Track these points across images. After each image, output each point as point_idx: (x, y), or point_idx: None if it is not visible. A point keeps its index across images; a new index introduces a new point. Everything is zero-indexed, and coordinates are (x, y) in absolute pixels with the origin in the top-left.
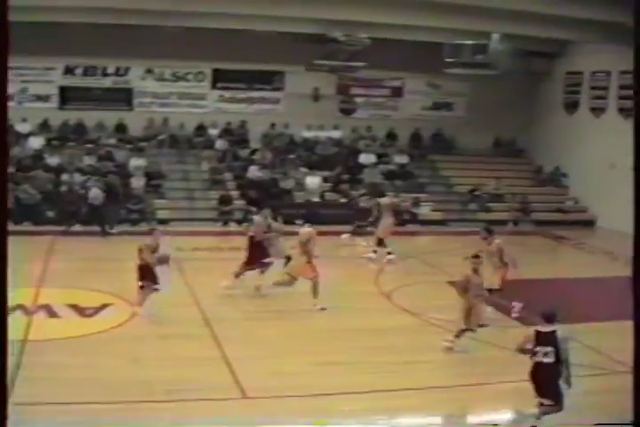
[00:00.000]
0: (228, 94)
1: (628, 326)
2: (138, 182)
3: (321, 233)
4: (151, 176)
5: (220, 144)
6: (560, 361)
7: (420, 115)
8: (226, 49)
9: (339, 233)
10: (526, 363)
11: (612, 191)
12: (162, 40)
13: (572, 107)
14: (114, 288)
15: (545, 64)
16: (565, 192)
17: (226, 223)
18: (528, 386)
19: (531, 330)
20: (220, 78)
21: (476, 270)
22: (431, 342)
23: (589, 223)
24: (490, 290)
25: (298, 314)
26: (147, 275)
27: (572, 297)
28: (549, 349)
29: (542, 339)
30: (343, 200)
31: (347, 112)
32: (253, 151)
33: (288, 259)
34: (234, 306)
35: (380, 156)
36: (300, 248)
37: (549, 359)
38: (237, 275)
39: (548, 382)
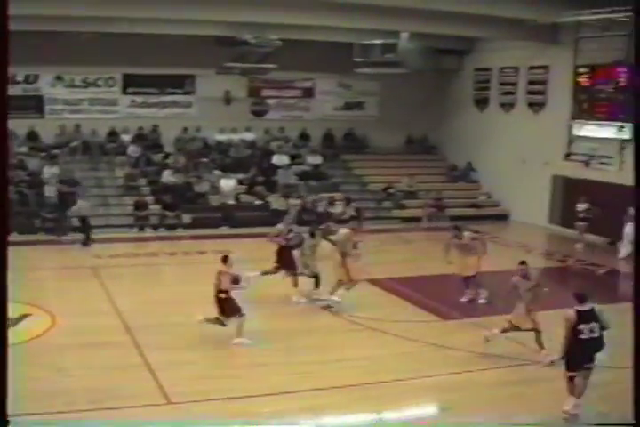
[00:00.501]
0: (139, 99)
1: (545, 316)
2: (51, 191)
3: (238, 235)
4: (65, 184)
5: (133, 150)
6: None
7: (332, 115)
8: (136, 54)
9: (255, 235)
10: (441, 358)
11: (523, 185)
12: (71, 46)
13: (482, 103)
14: (32, 298)
15: (454, 61)
16: (478, 187)
17: (142, 229)
18: (444, 381)
19: (570, 312)
20: (130, 83)
21: (524, 276)
22: (351, 341)
23: (503, 217)
24: (466, 278)
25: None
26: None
27: (490, 290)
28: (594, 324)
29: (584, 317)
30: (258, 202)
31: (259, 114)
32: (167, 156)
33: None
34: (153, 312)
35: (293, 157)
36: (337, 249)
37: (596, 334)
38: (295, 284)
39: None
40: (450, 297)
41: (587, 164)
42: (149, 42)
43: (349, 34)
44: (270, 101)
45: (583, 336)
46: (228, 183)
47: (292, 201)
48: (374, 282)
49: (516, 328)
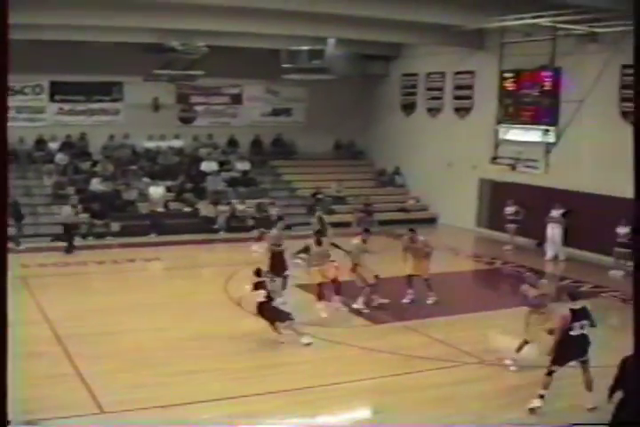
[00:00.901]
0: (67, 107)
1: (474, 318)
2: None
3: (168, 243)
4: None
5: (61, 158)
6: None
7: (260, 121)
8: (63, 61)
9: (185, 242)
10: (374, 361)
11: (451, 189)
12: None
13: (409, 108)
14: None
15: (381, 67)
16: (406, 192)
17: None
18: (377, 384)
19: (564, 311)
20: (58, 91)
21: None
22: (283, 346)
23: (431, 221)
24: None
25: (148, 326)
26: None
27: (419, 294)
28: (585, 322)
29: (577, 315)
30: (187, 209)
31: (187, 121)
32: (95, 163)
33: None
34: (83, 322)
35: (221, 163)
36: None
37: (584, 331)
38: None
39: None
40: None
41: (513, 167)
42: (77, 49)
43: (276, 40)
44: (198, 108)
45: (573, 333)
46: (156, 191)
47: (221, 208)
48: (306, 287)
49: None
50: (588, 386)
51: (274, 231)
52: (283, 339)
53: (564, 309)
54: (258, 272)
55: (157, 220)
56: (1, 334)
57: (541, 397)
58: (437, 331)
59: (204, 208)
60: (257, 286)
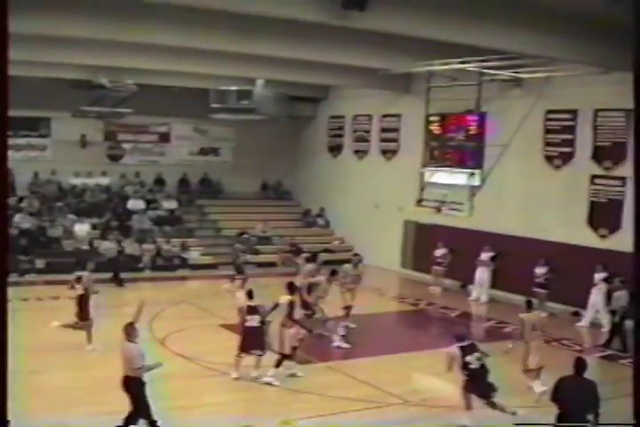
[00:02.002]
0: None
1: (398, 359)
2: None
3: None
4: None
5: None
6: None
7: (188, 160)
8: None
9: (108, 280)
10: (297, 402)
11: (376, 230)
12: None
13: (335, 150)
14: None
15: (309, 108)
16: (332, 232)
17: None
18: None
19: (452, 350)
20: None
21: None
22: (209, 386)
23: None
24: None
25: (71, 365)
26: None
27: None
28: (477, 354)
29: (466, 350)
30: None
31: (114, 158)
32: (21, 199)
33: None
34: (11, 359)
35: (148, 201)
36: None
37: (482, 362)
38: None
39: (485, 381)
40: (305, 341)
41: (438, 209)
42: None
43: (205, 80)
44: (126, 146)
45: (472, 366)
46: (82, 228)
47: (146, 246)
48: (229, 327)
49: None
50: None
51: (310, 266)
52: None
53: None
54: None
55: (82, 257)
56: (1, 335)
57: None
58: (361, 372)
59: (130, 246)
60: (251, 310)
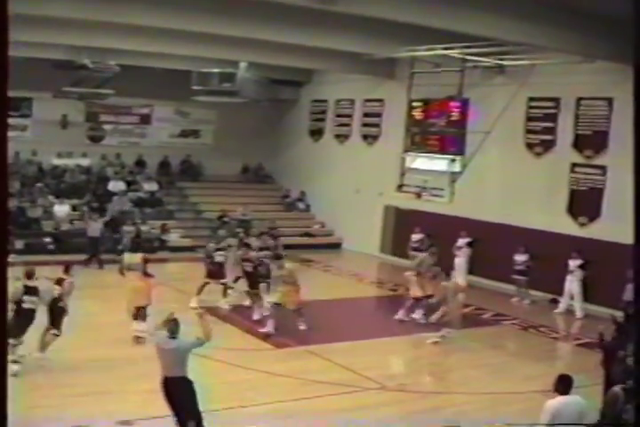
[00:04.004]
0: None
1: (376, 343)
2: None
3: (72, 262)
4: None
5: None
6: None
7: (169, 142)
8: None
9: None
10: (273, 386)
11: (356, 215)
12: None
13: (317, 134)
14: None
15: (292, 92)
16: (312, 216)
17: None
18: (275, 408)
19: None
20: None
21: None
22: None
23: (336, 246)
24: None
25: (52, 346)
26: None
27: (322, 318)
28: None
29: None
30: None
31: (95, 139)
32: None
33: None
34: None
35: (129, 183)
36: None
37: None
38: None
39: None
40: (283, 325)
41: (418, 195)
42: None
43: (188, 62)
44: (107, 127)
45: None
46: (62, 209)
47: (127, 228)
48: (207, 310)
49: None
50: None
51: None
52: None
53: None
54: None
55: (62, 238)
56: (1, 335)
57: None
58: (339, 356)
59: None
60: None
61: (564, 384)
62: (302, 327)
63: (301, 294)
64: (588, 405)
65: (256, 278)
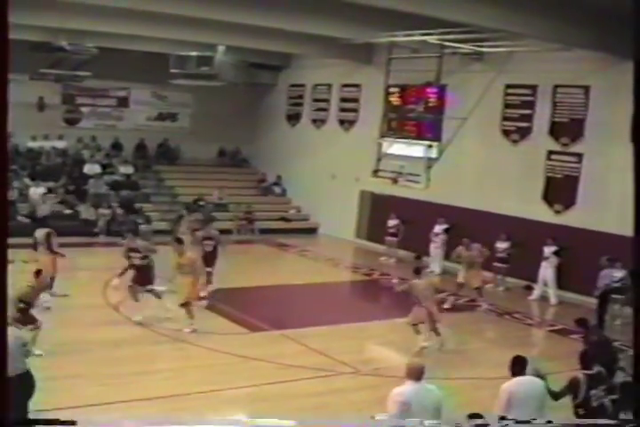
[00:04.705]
0: None
1: (351, 328)
2: None
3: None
4: None
5: None
6: None
7: (145, 125)
8: None
9: (64, 245)
10: (249, 369)
11: (332, 200)
12: None
13: (294, 118)
14: None
15: (270, 76)
16: (288, 201)
17: None
18: (251, 392)
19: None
20: None
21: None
22: (161, 352)
23: (312, 231)
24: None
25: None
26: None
27: (297, 303)
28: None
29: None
30: (68, 211)
31: (72, 122)
32: None
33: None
34: None
35: (104, 166)
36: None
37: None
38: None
39: None
40: (259, 309)
41: (394, 180)
42: None
43: (166, 44)
44: (84, 109)
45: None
46: (37, 191)
47: (102, 211)
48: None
49: None
50: None
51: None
52: None
53: None
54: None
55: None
56: (1, 329)
57: None
58: (314, 340)
59: (85, 211)
60: None
61: (518, 365)
62: (187, 330)
63: (199, 288)
64: (544, 385)
65: (214, 257)
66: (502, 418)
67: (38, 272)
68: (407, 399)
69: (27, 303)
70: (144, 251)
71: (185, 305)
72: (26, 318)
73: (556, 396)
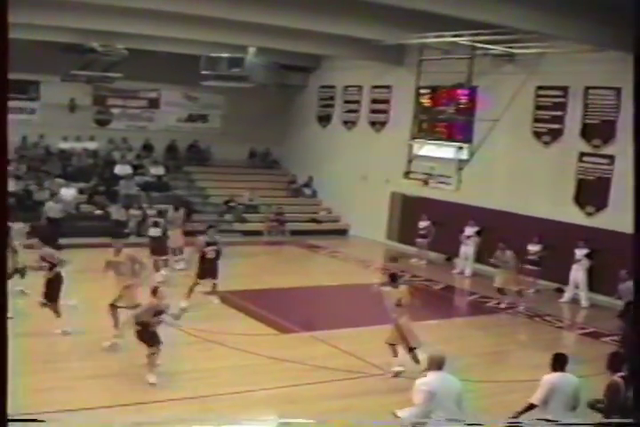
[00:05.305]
0: None
1: (382, 330)
2: None
3: (78, 245)
4: None
5: None
6: None
7: (176, 126)
8: None
9: (94, 245)
10: (279, 371)
11: (363, 202)
12: None
13: (324, 120)
14: None
15: (300, 78)
16: (319, 202)
17: None
18: (281, 393)
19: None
20: None
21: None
22: (191, 353)
23: (342, 232)
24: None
25: (52, 331)
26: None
27: (328, 304)
28: None
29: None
30: (98, 212)
31: (103, 123)
32: (7, 163)
33: None
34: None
35: (135, 167)
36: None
37: None
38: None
39: None
40: (289, 311)
41: (425, 182)
42: None
43: (196, 46)
44: (115, 111)
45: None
46: (68, 192)
47: (133, 212)
48: (214, 294)
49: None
50: None
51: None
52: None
53: None
54: (155, 291)
55: (68, 221)
56: (1, 335)
57: None
58: (344, 342)
59: (116, 212)
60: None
61: (560, 362)
62: (106, 343)
63: (139, 292)
64: (580, 384)
65: (217, 266)
66: (531, 406)
67: (155, 291)
68: (432, 388)
69: (143, 324)
70: (50, 259)
71: (112, 308)
72: (144, 340)
73: (594, 404)
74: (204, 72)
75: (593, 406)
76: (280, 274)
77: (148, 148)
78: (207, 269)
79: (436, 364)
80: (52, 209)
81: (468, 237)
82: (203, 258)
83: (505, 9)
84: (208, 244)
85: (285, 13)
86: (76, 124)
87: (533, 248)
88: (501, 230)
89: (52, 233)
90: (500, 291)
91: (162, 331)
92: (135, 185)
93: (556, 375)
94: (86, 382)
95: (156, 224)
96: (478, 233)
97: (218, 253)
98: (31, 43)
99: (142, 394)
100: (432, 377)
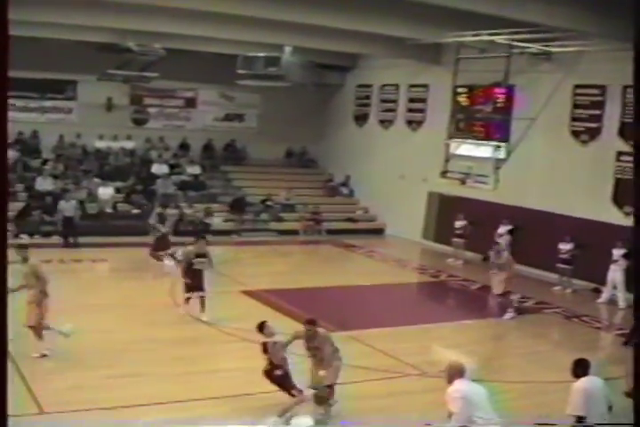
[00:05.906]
0: (19, 103)
1: (417, 330)
2: None
3: (115, 244)
4: None
5: (11, 154)
6: None
7: (213, 125)
8: (17, 57)
9: (131, 244)
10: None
11: (400, 201)
12: None
13: (361, 119)
14: None
15: (337, 77)
16: (355, 202)
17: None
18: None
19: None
20: (11, 87)
21: None
22: (228, 351)
23: (379, 232)
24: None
25: (92, 327)
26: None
27: (364, 304)
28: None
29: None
30: (136, 211)
31: (139, 122)
32: (45, 161)
33: None
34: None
35: (172, 166)
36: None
37: None
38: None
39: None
40: (325, 310)
41: (462, 182)
42: (31, 45)
43: (233, 45)
44: (152, 110)
45: None
46: (105, 191)
47: (170, 211)
48: (250, 293)
49: None
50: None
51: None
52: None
53: None
54: (261, 327)
55: (105, 220)
56: (1, 334)
57: None
58: (380, 342)
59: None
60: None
61: (582, 367)
62: (35, 355)
63: (46, 309)
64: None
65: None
66: (580, 419)
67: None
68: (465, 394)
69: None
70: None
71: (38, 331)
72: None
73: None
74: (240, 71)
75: (630, 394)
76: (316, 273)
77: (184, 147)
78: (193, 281)
79: (459, 372)
80: (65, 208)
81: (501, 235)
82: (189, 269)
83: (542, 7)
84: (197, 255)
85: (322, 12)
86: (113, 124)
87: (565, 247)
88: (538, 230)
89: (65, 232)
90: (504, 295)
91: (199, 330)
92: (172, 184)
93: (585, 380)
94: (121, 381)
95: (161, 221)
96: (511, 232)
97: (207, 265)
98: (68, 43)
99: (177, 392)
100: (461, 384)
